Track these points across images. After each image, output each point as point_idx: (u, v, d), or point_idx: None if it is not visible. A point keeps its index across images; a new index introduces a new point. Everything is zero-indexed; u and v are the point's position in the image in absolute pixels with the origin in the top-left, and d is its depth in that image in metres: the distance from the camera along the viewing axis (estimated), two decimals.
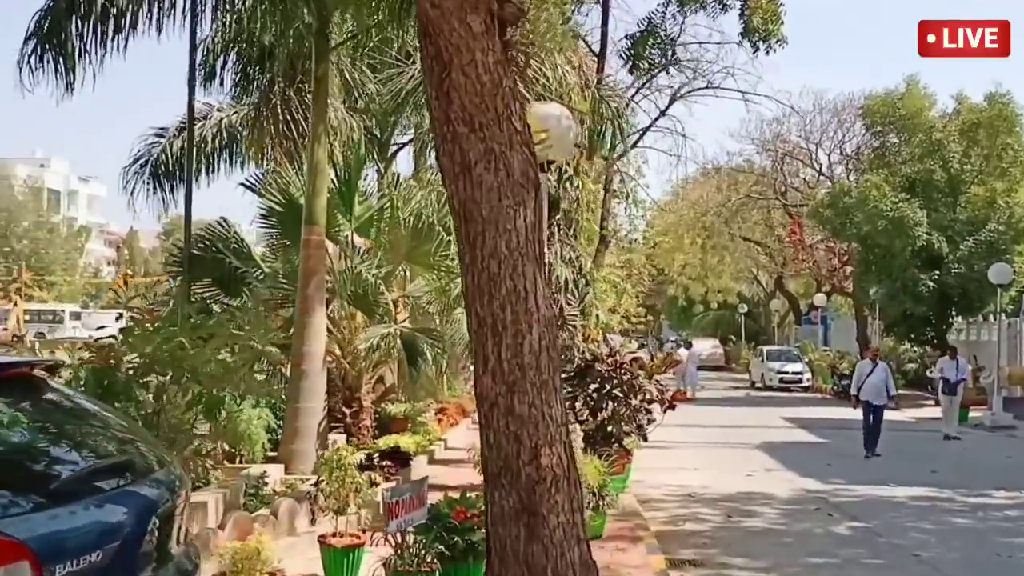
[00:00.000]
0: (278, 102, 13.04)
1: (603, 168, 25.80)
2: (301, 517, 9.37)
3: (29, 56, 9.48)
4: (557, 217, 11.88)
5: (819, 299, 48.15)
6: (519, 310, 5.79)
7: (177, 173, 15.53)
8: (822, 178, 44.60)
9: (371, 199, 14.90)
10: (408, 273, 14.96)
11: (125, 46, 10.48)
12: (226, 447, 11.19)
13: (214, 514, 9.09)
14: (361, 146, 14.53)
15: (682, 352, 28.74)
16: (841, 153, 43.99)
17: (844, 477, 15.41)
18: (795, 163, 46.21)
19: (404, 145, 17.28)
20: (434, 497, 7.38)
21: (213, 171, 15.49)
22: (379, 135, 16.62)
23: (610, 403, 11.11)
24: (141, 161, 15.77)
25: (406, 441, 13.44)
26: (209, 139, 15.12)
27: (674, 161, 47.53)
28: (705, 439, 20.47)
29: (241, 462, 11.40)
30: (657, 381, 12.38)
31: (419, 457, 13.89)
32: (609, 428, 11.09)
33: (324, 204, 12.00)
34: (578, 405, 11.17)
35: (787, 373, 40.28)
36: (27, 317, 51.49)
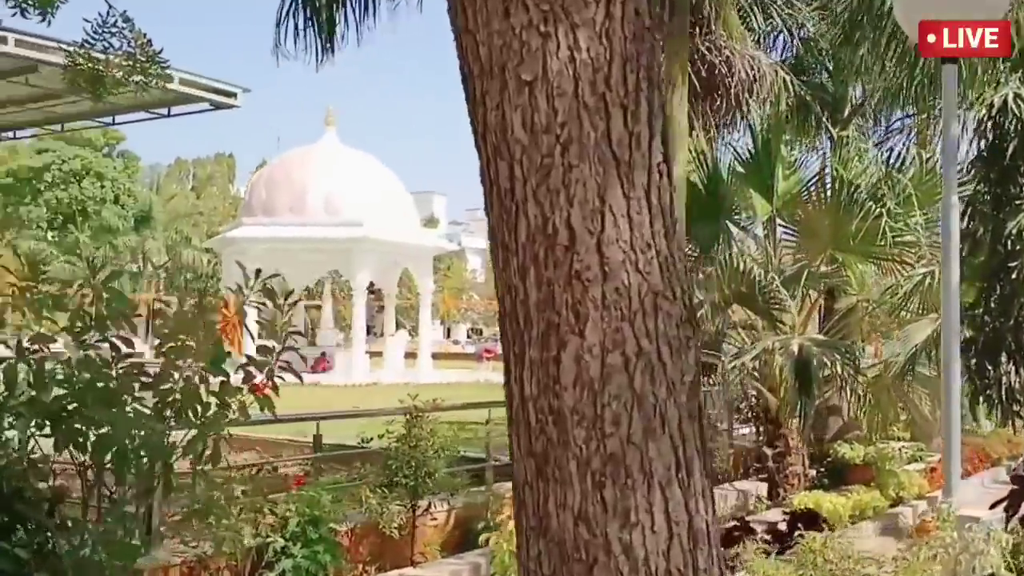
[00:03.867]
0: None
1: None
2: None
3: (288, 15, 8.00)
4: None
5: None
6: (554, 277, 2.39)
7: None
8: None
9: (802, 171, 11.22)
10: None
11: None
12: None
13: None
14: (781, 102, 10.95)
15: None
16: None
17: None
18: None
19: (864, 101, 13.03)
20: None
21: None
22: (830, 88, 12.71)
23: None
24: None
25: (833, 502, 9.51)
26: None
27: None
28: None
29: None
30: None
31: (863, 524, 9.84)
32: None
33: (682, 175, 8.90)
34: None
35: None
36: None
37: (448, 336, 71.67)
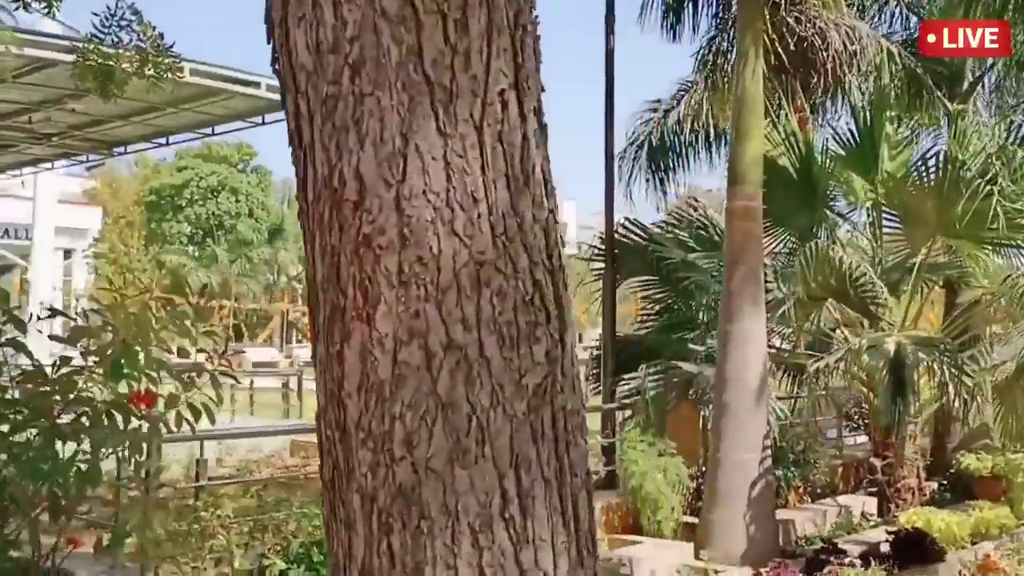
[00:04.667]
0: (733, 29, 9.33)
1: None
2: None
3: None
4: None
5: None
6: (339, 244, 1.78)
7: (671, 154, 12.51)
8: None
9: (912, 150, 10.11)
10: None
11: None
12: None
13: None
14: (884, 75, 9.90)
15: None
16: None
17: None
18: None
19: (984, 73, 11.61)
20: None
21: (692, 158, 12.10)
22: (947, 60, 11.46)
23: None
24: (637, 143, 13.11)
25: (947, 520, 8.41)
26: (688, 121, 11.75)
27: None
28: None
29: (642, 534, 7.96)
30: None
31: (985, 545, 8.68)
32: None
33: (757, 155, 8.00)
34: None
35: None
36: None
37: (580, 342, 71.25)
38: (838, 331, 10.10)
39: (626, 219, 10.04)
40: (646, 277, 9.99)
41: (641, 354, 9.43)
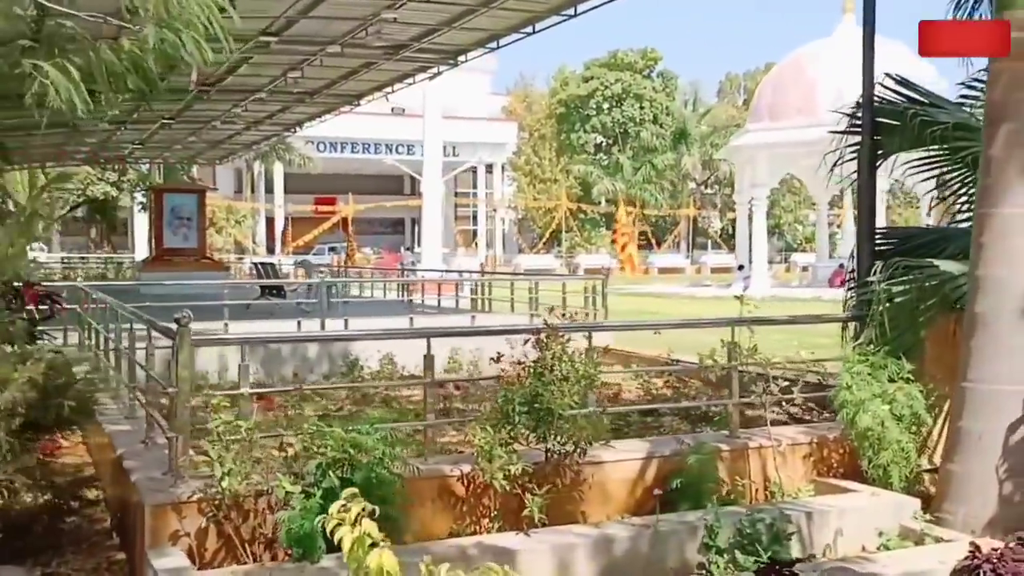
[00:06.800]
0: None
1: None
2: None
3: None
4: None
5: None
6: None
7: None
8: None
9: None
10: None
11: None
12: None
13: None
14: None
15: None
16: None
17: None
18: None
19: None
20: None
21: None
22: None
23: None
24: None
25: None
26: None
27: None
28: None
29: (864, 481, 6.13)
30: None
31: None
32: None
33: None
34: None
35: None
36: None
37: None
38: None
39: (887, 75, 7.66)
40: (934, 151, 7.54)
41: (915, 251, 7.27)
